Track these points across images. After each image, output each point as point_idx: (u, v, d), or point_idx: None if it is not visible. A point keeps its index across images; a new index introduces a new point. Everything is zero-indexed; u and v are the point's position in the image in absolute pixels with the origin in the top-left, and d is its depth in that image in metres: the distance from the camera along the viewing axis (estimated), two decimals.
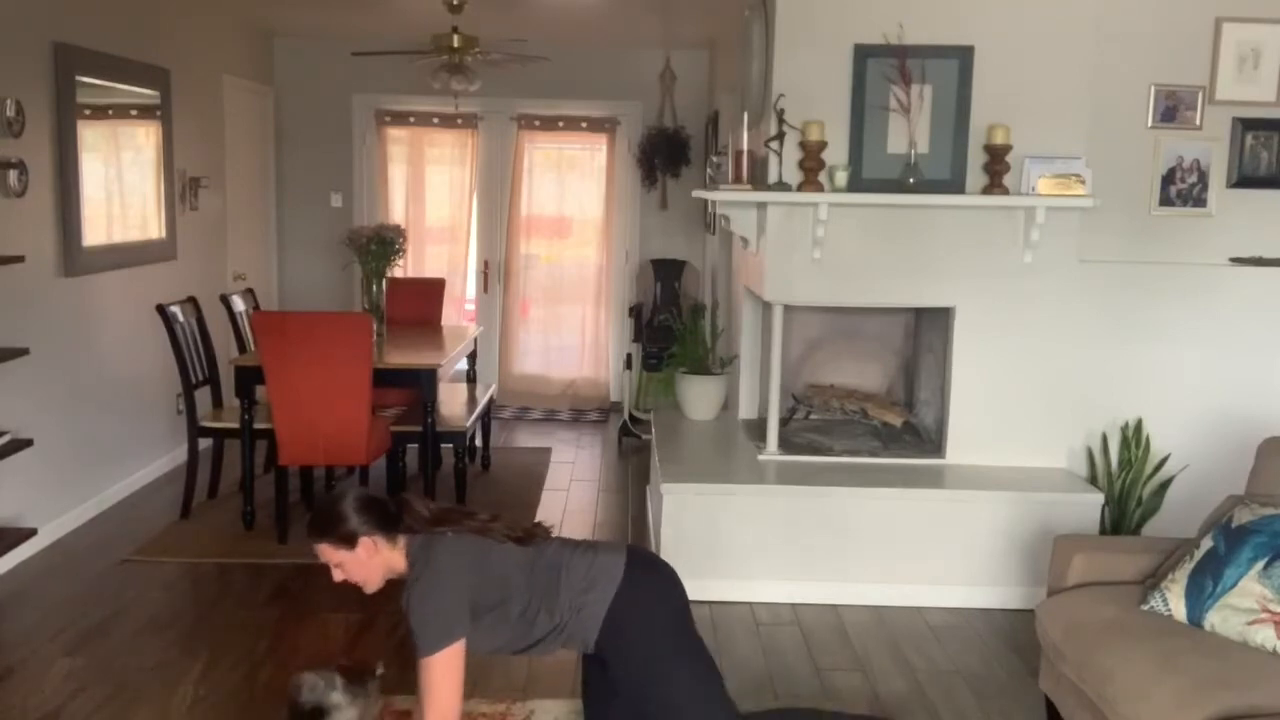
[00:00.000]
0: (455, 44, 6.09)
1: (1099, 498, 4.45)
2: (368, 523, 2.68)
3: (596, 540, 2.94)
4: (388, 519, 2.71)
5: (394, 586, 2.74)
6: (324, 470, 5.79)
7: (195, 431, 5.39)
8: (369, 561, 2.70)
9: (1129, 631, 2.96)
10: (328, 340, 4.85)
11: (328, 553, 2.72)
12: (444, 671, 2.58)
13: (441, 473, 5.59)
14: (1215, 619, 2.91)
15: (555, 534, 2.88)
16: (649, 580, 2.81)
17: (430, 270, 8.19)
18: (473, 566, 2.68)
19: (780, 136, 4.51)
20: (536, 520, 2.91)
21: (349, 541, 2.68)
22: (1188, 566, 3.05)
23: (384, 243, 5.86)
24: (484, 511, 2.84)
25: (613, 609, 2.71)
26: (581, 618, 2.71)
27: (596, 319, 8.48)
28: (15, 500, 4.71)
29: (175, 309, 5.39)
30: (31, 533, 4.65)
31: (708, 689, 2.79)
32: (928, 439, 4.97)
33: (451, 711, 2.58)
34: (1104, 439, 4.88)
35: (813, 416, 5.21)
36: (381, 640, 3.97)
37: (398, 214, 8.19)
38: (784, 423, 4.96)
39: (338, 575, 2.76)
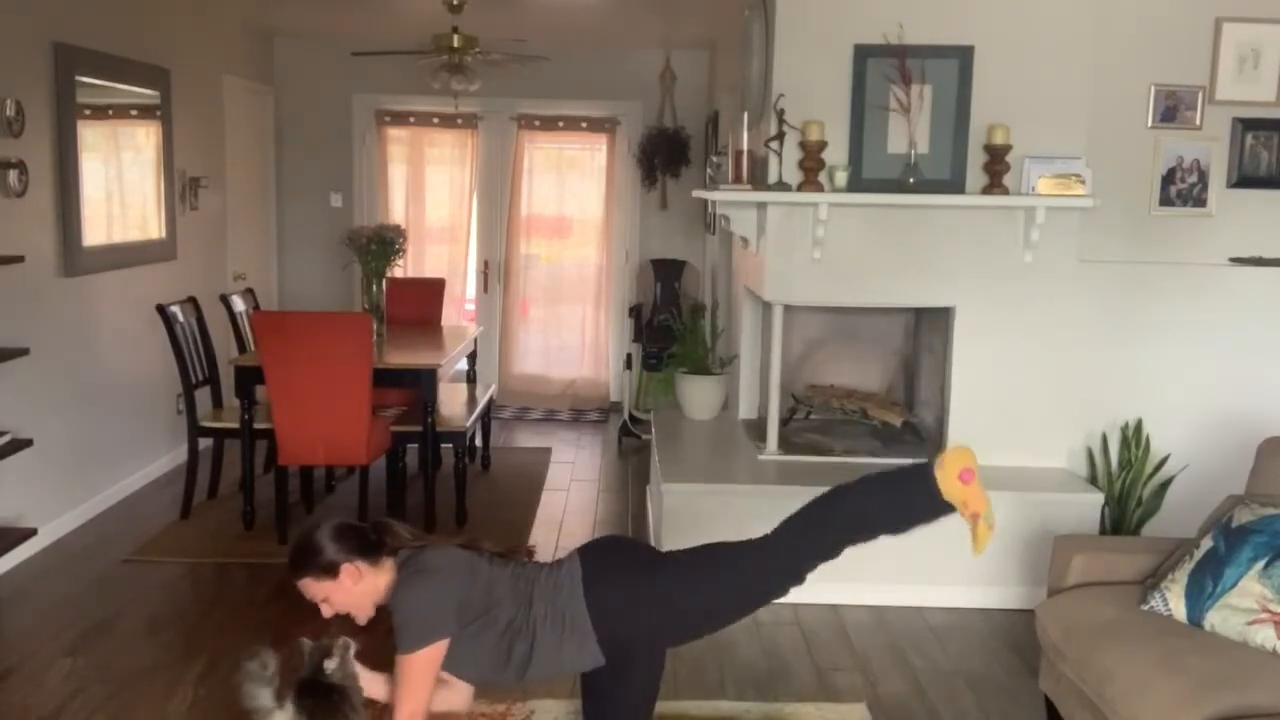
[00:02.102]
0: (455, 44, 6.10)
1: (1099, 498, 4.45)
2: (346, 550, 2.66)
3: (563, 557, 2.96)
4: (366, 544, 2.70)
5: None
6: (324, 470, 5.79)
7: (195, 431, 5.39)
8: (355, 589, 2.68)
9: (1129, 631, 2.97)
10: (328, 340, 4.85)
11: (311, 588, 2.69)
12: (421, 671, 2.59)
13: (441, 473, 5.58)
14: (1215, 619, 2.91)
15: (539, 548, 2.92)
16: (606, 558, 2.84)
17: (430, 270, 8.19)
18: (464, 571, 2.68)
19: (780, 136, 4.51)
20: (516, 543, 2.94)
21: (330, 571, 2.66)
22: (1188, 566, 3.05)
23: (384, 243, 5.86)
24: (462, 535, 2.88)
25: (591, 605, 2.69)
26: (564, 631, 2.68)
27: (596, 319, 8.48)
28: (15, 500, 4.71)
29: (175, 309, 5.39)
30: (31, 533, 4.65)
31: (725, 576, 2.79)
32: (928, 439, 4.97)
33: (422, 712, 2.59)
34: (1104, 439, 4.88)
35: (813, 416, 5.21)
36: (382, 642, 3.96)
37: (398, 214, 8.19)
38: (784, 423, 4.96)
39: (326, 611, 2.72)
